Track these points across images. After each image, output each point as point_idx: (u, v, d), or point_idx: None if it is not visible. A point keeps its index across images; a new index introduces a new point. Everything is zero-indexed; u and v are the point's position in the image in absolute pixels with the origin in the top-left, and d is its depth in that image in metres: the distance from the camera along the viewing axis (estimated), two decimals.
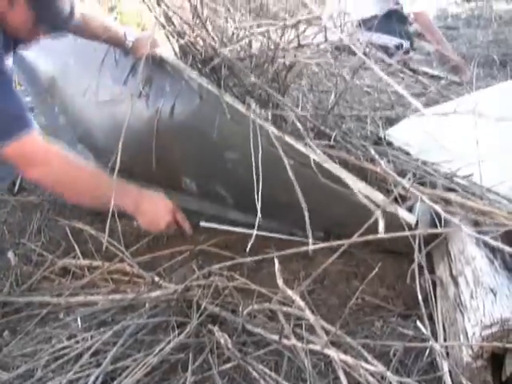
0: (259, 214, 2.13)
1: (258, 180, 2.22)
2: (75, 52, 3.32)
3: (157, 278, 2.49)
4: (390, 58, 3.13)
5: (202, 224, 2.89)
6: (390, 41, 4.94)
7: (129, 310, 2.38)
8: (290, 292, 1.99)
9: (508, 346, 1.73)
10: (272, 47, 2.47)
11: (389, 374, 1.77)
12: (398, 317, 2.30)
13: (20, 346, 2.28)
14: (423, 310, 2.01)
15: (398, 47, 4.99)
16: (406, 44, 5.08)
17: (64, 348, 2.20)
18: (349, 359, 1.83)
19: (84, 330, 2.30)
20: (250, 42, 2.58)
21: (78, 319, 2.35)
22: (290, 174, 2.26)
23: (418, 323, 2.00)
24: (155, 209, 2.66)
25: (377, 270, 1.94)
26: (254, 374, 2.02)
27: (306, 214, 2.11)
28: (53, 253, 2.84)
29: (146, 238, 2.87)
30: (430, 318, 2.12)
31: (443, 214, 1.99)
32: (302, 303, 1.95)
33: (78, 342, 2.22)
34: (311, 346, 1.97)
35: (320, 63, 2.70)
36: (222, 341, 2.10)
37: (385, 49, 4.82)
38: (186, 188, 2.90)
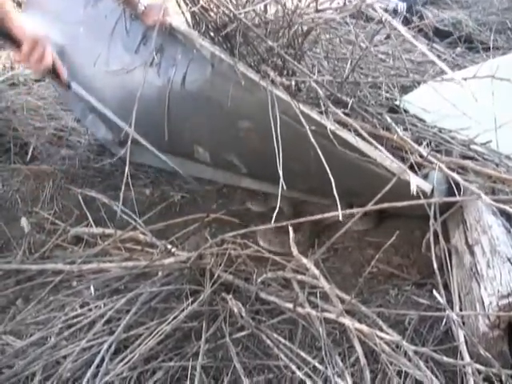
0: (281, 181, 2.11)
1: (279, 149, 2.19)
2: (85, 20, 3.27)
3: (169, 246, 2.47)
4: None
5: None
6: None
7: (141, 278, 2.37)
8: (304, 260, 1.98)
9: None
10: (289, 12, 2.42)
11: (405, 343, 1.75)
12: (412, 285, 2.29)
13: (33, 313, 2.27)
14: (439, 278, 1.99)
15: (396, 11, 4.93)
16: (401, 6, 5.00)
17: (77, 316, 2.20)
18: (364, 328, 1.82)
19: (97, 298, 2.30)
20: (266, 7, 2.53)
21: (91, 287, 2.34)
22: (312, 140, 2.21)
23: (434, 292, 1.96)
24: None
25: (394, 238, 1.91)
26: (268, 342, 2.02)
27: (332, 179, 2.06)
28: (65, 221, 2.83)
29: (158, 206, 2.86)
30: (445, 286, 2.10)
31: (461, 182, 1.96)
32: (316, 271, 1.94)
33: (90, 310, 2.22)
34: (326, 315, 1.95)
35: (337, 29, 2.64)
36: (236, 309, 2.09)
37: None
38: (198, 157, 2.87)
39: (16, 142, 3.32)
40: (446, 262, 2.11)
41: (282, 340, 2.02)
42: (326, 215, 2.05)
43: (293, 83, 2.37)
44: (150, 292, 2.23)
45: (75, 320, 2.17)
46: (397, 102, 2.80)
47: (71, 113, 3.57)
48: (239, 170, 2.85)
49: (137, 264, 2.40)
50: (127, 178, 2.36)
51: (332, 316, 1.93)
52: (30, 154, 3.28)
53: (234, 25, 2.45)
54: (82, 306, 2.25)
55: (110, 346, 1.99)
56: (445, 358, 1.74)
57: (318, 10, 2.46)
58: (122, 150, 3.21)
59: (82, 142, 3.44)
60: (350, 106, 2.47)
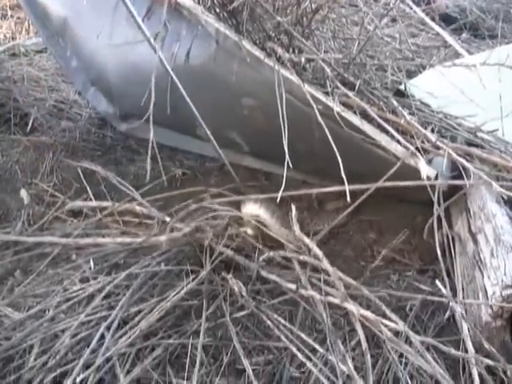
0: (287, 158, 2.09)
1: (285, 128, 2.17)
2: None
3: (167, 218, 2.44)
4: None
5: None
6: None
7: (141, 253, 2.35)
8: (306, 240, 1.97)
9: None
10: None
11: (411, 333, 1.76)
12: (414, 271, 2.28)
13: (32, 286, 2.26)
14: (442, 265, 1.99)
15: None
16: None
17: (76, 290, 2.19)
18: (370, 315, 1.82)
19: (96, 272, 2.29)
20: None
21: (91, 261, 2.33)
22: (320, 119, 2.19)
23: (437, 282, 1.96)
24: None
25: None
26: (269, 323, 2.01)
27: (340, 160, 2.05)
28: (65, 193, 2.82)
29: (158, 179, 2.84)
30: (447, 274, 2.09)
31: (472, 169, 1.95)
32: (319, 252, 1.93)
33: (89, 285, 2.21)
34: (330, 299, 1.94)
35: (345, 7, 2.61)
36: (236, 288, 2.08)
37: None
38: (200, 134, 2.85)
39: (16, 113, 3.30)
40: (449, 249, 2.11)
41: (282, 321, 2.01)
42: (329, 189, 2.03)
43: (302, 59, 2.35)
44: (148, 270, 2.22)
45: (74, 294, 2.16)
46: (402, 86, 2.77)
47: (72, 85, 3.53)
48: (241, 149, 2.84)
49: (133, 240, 2.37)
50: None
51: (336, 301, 1.92)
52: (30, 125, 3.25)
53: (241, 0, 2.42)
54: (81, 281, 2.25)
55: (111, 323, 1.98)
56: (453, 351, 1.76)
57: None
58: (123, 123, 3.20)
59: (82, 114, 3.42)
60: (356, 88, 2.44)
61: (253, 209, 2.39)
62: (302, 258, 2.09)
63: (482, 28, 4.53)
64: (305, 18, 2.47)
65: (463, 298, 1.99)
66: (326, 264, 1.92)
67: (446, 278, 1.96)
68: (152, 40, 2.70)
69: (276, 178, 2.72)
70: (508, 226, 1.99)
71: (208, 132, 2.59)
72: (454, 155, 2.09)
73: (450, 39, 1.77)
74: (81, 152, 3.14)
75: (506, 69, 2.22)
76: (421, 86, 2.74)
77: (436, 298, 2.01)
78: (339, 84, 2.36)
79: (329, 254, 2.26)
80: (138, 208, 2.58)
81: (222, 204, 2.38)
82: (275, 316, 2.02)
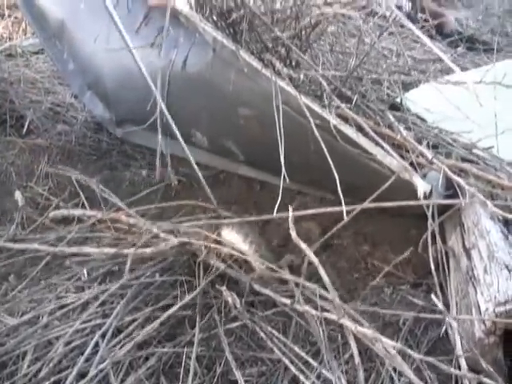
0: (284, 171, 2.10)
1: (281, 138, 2.19)
2: None
3: (155, 229, 2.41)
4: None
5: None
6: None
7: (136, 261, 2.33)
8: (303, 245, 1.98)
9: None
10: (298, 2, 2.40)
11: (409, 351, 1.77)
12: (407, 285, 2.29)
13: (26, 292, 2.26)
14: (435, 279, 2.01)
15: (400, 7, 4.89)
16: (406, 4, 4.97)
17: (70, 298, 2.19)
18: (368, 332, 1.83)
19: (90, 281, 2.29)
20: None
21: (84, 270, 2.33)
22: (316, 132, 2.21)
23: (432, 296, 1.97)
24: None
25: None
26: (262, 334, 2.02)
27: (336, 173, 2.07)
28: (59, 197, 2.82)
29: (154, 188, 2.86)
30: (441, 288, 2.10)
31: (467, 188, 1.97)
32: (315, 259, 1.94)
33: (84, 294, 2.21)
34: (326, 315, 1.95)
35: (344, 23, 2.63)
36: (230, 300, 2.09)
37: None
38: (195, 141, 2.86)
39: (12, 115, 3.29)
40: (443, 264, 2.13)
41: (276, 333, 2.02)
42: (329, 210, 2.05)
43: (301, 76, 2.36)
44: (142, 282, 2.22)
45: (69, 301, 2.17)
46: (398, 100, 2.80)
47: (68, 88, 3.52)
48: (237, 158, 2.85)
49: (119, 253, 2.35)
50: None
51: (333, 317, 1.93)
52: (25, 127, 3.25)
53: (241, 11, 2.43)
54: (75, 288, 2.26)
55: (107, 330, 1.99)
56: (446, 367, 1.76)
57: (326, 3, 2.45)
58: (119, 129, 3.20)
59: (78, 118, 3.41)
60: (354, 102, 2.46)
61: (226, 234, 2.40)
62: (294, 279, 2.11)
63: (478, 42, 4.56)
64: (303, 32, 2.49)
65: (456, 313, 2.00)
66: (322, 273, 1.93)
67: (439, 293, 1.97)
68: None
69: (271, 187, 2.72)
70: (502, 242, 2.01)
71: (178, 133, 2.60)
72: (450, 173, 2.11)
73: (443, 55, 1.79)
74: (76, 156, 3.13)
75: (501, 86, 2.25)
76: (416, 100, 2.77)
77: (429, 316, 2.02)
78: (336, 98, 2.37)
79: (322, 265, 2.29)
80: (124, 218, 2.55)
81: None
82: (269, 328, 2.03)
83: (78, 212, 2.70)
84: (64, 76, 3.42)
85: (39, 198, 2.83)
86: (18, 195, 2.80)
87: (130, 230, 2.55)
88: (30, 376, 1.89)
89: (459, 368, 1.82)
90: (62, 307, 2.14)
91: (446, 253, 2.22)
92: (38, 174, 2.97)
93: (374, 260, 2.38)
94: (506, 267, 1.88)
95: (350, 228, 2.52)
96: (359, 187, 2.35)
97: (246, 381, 1.92)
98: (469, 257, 2.06)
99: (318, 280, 2.04)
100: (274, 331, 2.03)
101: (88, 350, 1.92)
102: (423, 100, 2.75)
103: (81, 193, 2.82)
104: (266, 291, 2.13)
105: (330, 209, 2.20)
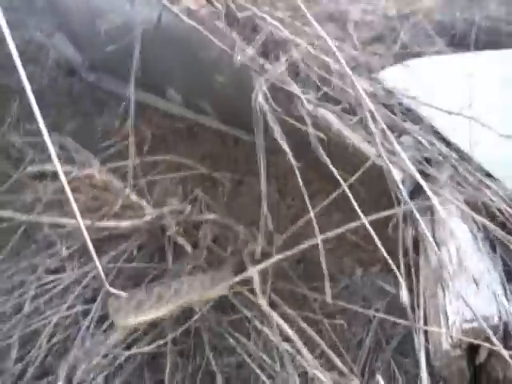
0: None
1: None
2: None
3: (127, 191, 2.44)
4: None
5: None
6: None
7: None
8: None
9: (487, 345, 1.76)
10: None
11: None
12: (379, 265, 2.34)
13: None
14: (402, 269, 2.00)
15: None
16: None
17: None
18: None
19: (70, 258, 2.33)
20: None
21: (63, 248, 2.35)
22: None
23: (401, 293, 2.01)
24: None
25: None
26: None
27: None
28: (33, 148, 2.76)
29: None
30: (409, 274, 2.13)
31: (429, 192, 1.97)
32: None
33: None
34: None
35: None
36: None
37: None
38: (169, 97, 2.84)
39: None
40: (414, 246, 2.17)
41: None
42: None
43: None
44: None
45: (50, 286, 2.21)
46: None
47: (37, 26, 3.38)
48: (210, 115, 2.84)
49: (96, 224, 2.35)
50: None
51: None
52: None
53: None
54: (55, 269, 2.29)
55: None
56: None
57: None
58: (91, 74, 3.14)
59: (49, 59, 3.27)
60: None
61: None
62: None
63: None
64: None
65: (425, 310, 2.04)
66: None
67: (406, 293, 2.02)
68: None
69: (244, 143, 2.74)
70: (471, 242, 2.05)
71: None
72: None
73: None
74: (48, 100, 3.07)
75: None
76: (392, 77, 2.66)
77: (395, 319, 2.02)
78: None
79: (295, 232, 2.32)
80: (97, 177, 2.55)
81: None
82: None
83: (53, 168, 2.67)
84: (31, 17, 3.28)
85: (12, 150, 2.80)
86: None
87: (105, 188, 2.56)
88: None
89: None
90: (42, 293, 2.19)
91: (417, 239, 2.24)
92: (10, 121, 2.92)
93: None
94: (475, 281, 1.89)
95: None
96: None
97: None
98: (438, 250, 2.04)
99: None
100: None
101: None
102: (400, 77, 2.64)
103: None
104: None
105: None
